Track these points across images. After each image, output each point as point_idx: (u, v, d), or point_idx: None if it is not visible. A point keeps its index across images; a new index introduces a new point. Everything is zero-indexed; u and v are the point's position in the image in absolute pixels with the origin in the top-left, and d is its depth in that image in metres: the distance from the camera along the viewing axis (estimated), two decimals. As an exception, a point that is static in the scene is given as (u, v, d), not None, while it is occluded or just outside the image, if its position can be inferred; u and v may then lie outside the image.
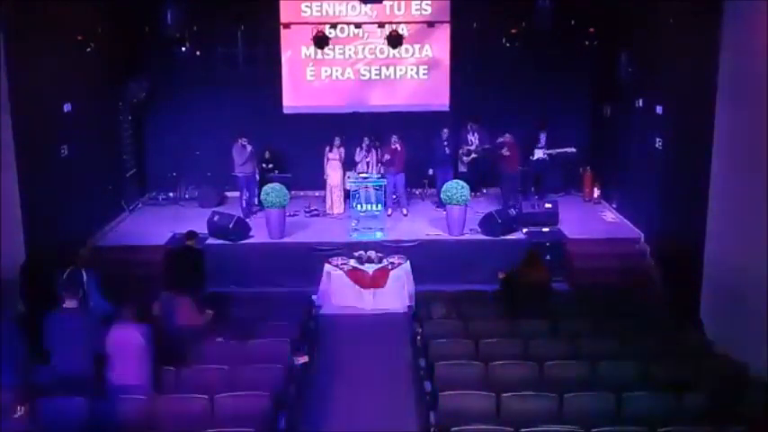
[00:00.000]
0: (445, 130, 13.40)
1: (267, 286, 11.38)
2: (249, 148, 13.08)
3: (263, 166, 13.78)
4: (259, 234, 12.18)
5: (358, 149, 13.51)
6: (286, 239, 12.08)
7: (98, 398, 6.52)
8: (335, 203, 13.50)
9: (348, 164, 13.57)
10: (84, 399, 6.43)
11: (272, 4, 13.98)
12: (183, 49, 12.86)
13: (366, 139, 13.52)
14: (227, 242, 11.81)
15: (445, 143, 13.34)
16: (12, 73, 9.26)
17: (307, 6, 14.15)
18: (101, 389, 6.72)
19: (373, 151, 13.49)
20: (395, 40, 13.22)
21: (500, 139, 13.31)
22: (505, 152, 13.08)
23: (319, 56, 14.18)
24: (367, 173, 13.06)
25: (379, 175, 12.86)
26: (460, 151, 13.76)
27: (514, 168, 13.36)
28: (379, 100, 14.62)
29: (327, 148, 13.39)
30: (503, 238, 11.93)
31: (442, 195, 12.34)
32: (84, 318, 6.90)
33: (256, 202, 13.24)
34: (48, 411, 6.25)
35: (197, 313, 8.17)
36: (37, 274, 8.50)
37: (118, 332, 6.71)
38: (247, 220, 12.64)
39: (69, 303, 6.84)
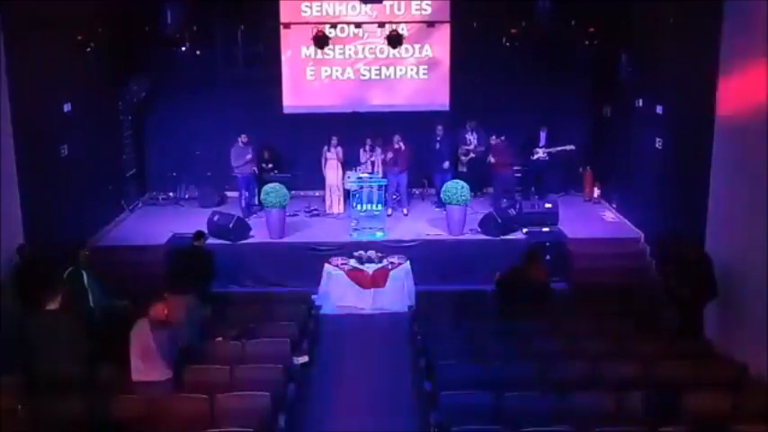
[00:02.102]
0: (439, 127, 13.36)
1: (267, 286, 11.42)
2: (249, 152, 13.07)
3: (263, 166, 13.78)
4: (259, 234, 12.17)
5: (362, 150, 13.51)
6: (286, 239, 12.07)
7: (90, 397, 6.52)
8: (335, 203, 13.50)
9: (351, 164, 13.56)
10: (79, 398, 6.43)
11: (272, 3, 13.99)
12: (183, 49, 12.85)
13: (369, 139, 13.50)
14: (227, 242, 11.81)
15: (438, 139, 13.31)
16: (12, 73, 9.26)
17: (307, 6, 14.13)
18: (95, 388, 6.73)
19: (378, 150, 13.47)
20: (395, 40, 13.19)
21: (492, 140, 13.31)
22: (491, 159, 13.08)
23: (319, 56, 14.15)
24: (372, 173, 13.04)
25: (381, 175, 12.84)
26: (459, 151, 13.75)
27: (506, 170, 13.30)
28: (379, 100, 14.60)
29: (325, 148, 13.40)
30: (503, 238, 11.93)
31: (441, 195, 12.33)
32: (65, 319, 6.85)
33: (256, 202, 13.24)
34: (43, 411, 6.28)
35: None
36: (30, 275, 8.48)
37: (138, 330, 6.72)
38: (247, 220, 12.64)
39: (50, 305, 6.81)
